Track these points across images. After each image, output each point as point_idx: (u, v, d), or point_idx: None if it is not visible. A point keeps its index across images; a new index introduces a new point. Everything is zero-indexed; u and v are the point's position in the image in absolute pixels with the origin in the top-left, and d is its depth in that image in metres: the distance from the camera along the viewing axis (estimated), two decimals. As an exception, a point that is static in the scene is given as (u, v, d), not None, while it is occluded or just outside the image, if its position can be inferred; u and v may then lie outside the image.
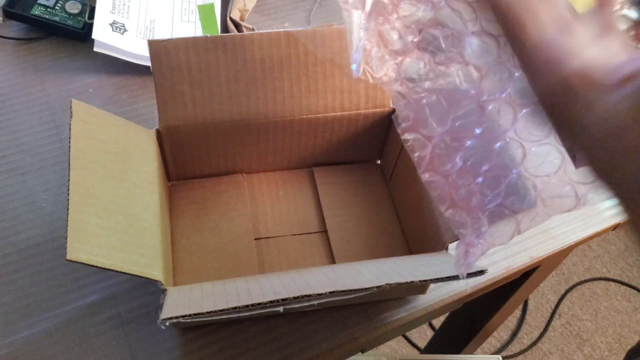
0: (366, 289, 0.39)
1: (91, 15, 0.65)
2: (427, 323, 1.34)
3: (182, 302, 0.44)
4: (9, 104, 0.60)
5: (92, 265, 0.39)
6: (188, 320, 0.43)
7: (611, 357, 1.34)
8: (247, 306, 0.44)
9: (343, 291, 0.39)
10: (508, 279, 0.55)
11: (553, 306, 1.41)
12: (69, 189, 0.41)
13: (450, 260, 0.45)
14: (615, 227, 0.59)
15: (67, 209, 0.40)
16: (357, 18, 0.40)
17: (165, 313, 0.42)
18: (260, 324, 0.48)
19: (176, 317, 0.42)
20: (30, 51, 0.65)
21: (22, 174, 0.55)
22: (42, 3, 0.66)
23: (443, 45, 0.40)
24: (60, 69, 0.64)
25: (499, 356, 0.88)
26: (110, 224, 0.43)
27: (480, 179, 0.40)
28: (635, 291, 1.45)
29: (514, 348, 1.34)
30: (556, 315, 1.40)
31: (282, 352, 0.47)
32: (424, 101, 0.41)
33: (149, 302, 0.48)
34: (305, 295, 0.40)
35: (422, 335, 1.32)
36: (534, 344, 1.35)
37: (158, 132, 0.52)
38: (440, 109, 0.41)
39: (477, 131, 0.40)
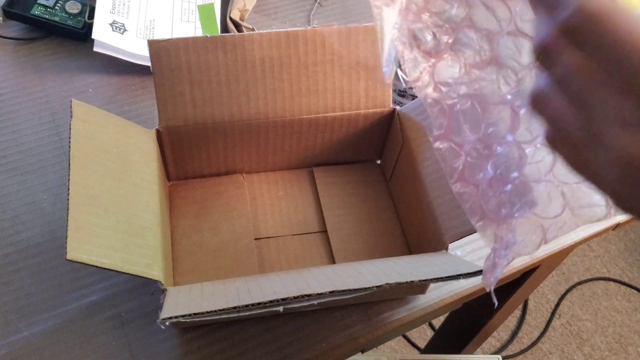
0: (366, 288, 0.39)
1: (91, 15, 0.65)
2: (427, 323, 1.34)
3: (182, 302, 0.44)
4: (9, 103, 0.60)
5: (92, 265, 0.39)
6: (188, 320, 0.43)
7: (611, 357, 1.34)
8: (247, 306, 0.44)
9: (343, 291, 0.39)
10: (508, 279, 0.55)
11: (553, 306, 1.41)
12: (69, 189, 0.41)
13: (450, 260, 0.45)
14: (615, 227, 0.59)
15: (67, 209, 0.40)
16: (388, 16, 0.37)
17: (165, 313, 0.42)
18: (260, 323, 0.48)
19: (176, 317, 0.42)
20: (30, 51, 0.65)
21: (22, 174, 0.55)
22: (41, 3, 0.65)
23: (477, 47, 0.37)
24: (60, 69, 0.64)
25: (499, 356, 0.88)
26: (110, 223, 0.43)
27: (509, 187, 0.38)
28: (635, 291, 1.45)
29: (513, 348, 1.34)
30: (556, 315, 1.40)
31: (282, 352, 0.47)
32: (458, 107, 0.39)
33: (148, 302, 0.48)
34: (305, 295, 0.40)
35: (422, 335, 1.32)
36: (534, 344, 1.35)
37: (158, 132, 0.52)
38: (474, 115, 0.38)
39: (510, 138, 0.38)
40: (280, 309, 0.46)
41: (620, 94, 0.19)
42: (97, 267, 0.39)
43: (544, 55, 0.21)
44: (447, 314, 1.01)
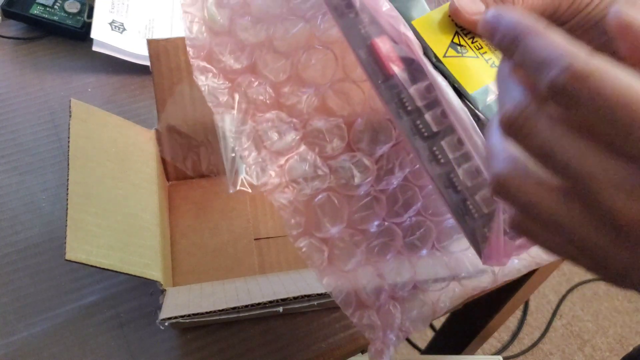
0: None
1: (90, 15, 0.65)
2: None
3: (181, 303, 0.44)
4: (7, 103, 0.60)
5: (91, 266, 0.39)
6: (187, 321, 0.43)
7: (612, 357, 1.34)
8: (246, 306, 0.43)
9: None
10: (509, 279, 0.55)
11: (554, 307, 1.41)
12: (68, 189, 0.41)
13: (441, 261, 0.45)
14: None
15: (66, 209, 0.40)
16: (229, 122, 0.35)
17: (165, 313, 0.42)
18: (260, 324, 0.48)
19: (175, 318, 0.42)
20: (29, 51, 0.65)
21: (21, 174, 0.55)
22: (41, 2, 0.65)
23: (327, 138, 0.35)
24: (59, 68, 0.64)
25: (500, 357, 0.88)
26: (110, 223, 0.43)
27: (387, 268, 0.36)
28: (636, 292, 1.44)
29: (514, 349, 1.34)
30: (557, 316, 1.39)
31: (281, 353, 0.46)
32: (315, 201, 0.36)
33: (148, 303, 0.48)
34: (305, 295, 0.40)
35: (423, 335, 1.32)
36: (534, 344, 1.34)
37: (157, 132, 0.52)
38: (332, 207, 0.36)
39: (376, 222, 0.36)
40: (280, 309, 0.46)
41: (617, 157, 0.18)
42: (96, 267, 0.39)
43: (515, 128, 0.20)
44: (447, 315, 1.01)
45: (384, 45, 0.29)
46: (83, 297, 0.48)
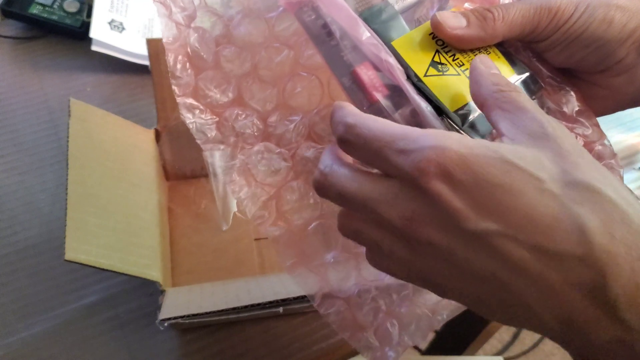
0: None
1: (89, 14, 0.64)
2: (428, 324, 1.34)
3: (181, 303, 0.44)
4: (6, 103, 0.60)
5: (91, 266, 0.39)
6: (187, 321, 0.42)
7: (613, 357, 1.34)
8: (247, 307, 0.43)
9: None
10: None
11: (554, 306, 1.40)
12: (67, 189, 0.41)
13: None
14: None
15: (66, 209, 0.40)
16: (219, 158, 0.35)
17: (164, 314, 0.42)
18: (260, 324, 0.48)
19: (175, 318, 0.42)
20: (28, 50, 0.65)
21: (20, 174, 0.55)
22: (40, 2, 0.65)
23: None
24: (58, 67, 0.64)
25: (501, 357, 0.88)
26: (109, 223, 0.42)
27: (383, 286, 0.36)
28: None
29: (515, 349, 1.34)
30: (557, 316, 1.39)
31: (281, 353, 0.46)
32: (308, 230, 0.36)
33: (147, 303, 0.48)
34: (305, 296, 0.40)
35: (423, 335, 1.32)
36: (535, 345, 1.34)
37: (157, 132, 0.51)
38: (326, 234, 0.36)
39: None
40: (281, 309, 0.45)
41: (382, 179, 0.24)
42: (95, 267, 0.39)
43: (319, 189, 0.27)
44: (448, 315, 1.01)
45: (366, 73, 0.29)
46: (82, 297, 0.48)
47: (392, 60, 0.29)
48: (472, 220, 0.22)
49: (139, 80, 0.63)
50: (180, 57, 0.34)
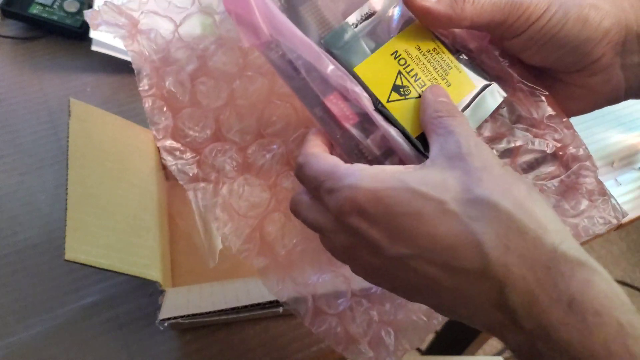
0: (365, 288, 0.38)
1: (90, 14, 0.64)
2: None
3: (180, 303, 0.44)
4: (6, 103, 0.60)
5: (91, 266, 0.39)
6: (187, 321, 0.42)
7: (613, 357, 1.33)
8: (246, 307, 0.43)
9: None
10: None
11: (554, 307, 1.40)
12: (67, 189, 0.41)
13: None
14: (617, 228, 0.58)
15: (66, 209, 0.40)
16: (202, 197, 0.36)
17: (164, 314, 0.42)
18: (259, 325, 0.48)
19: (175, 318, 0.42)
20: (28, 50, 0.65)
21: (20, 174, 0.55)
22: (40, 2, 0.65)
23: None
24: (58, 68, 0.64)
25: (501, 357, 0.87)
26: (109, 224, 0.42)
27: (374, 298, 0.37)
28: (637, 292, 1.44)
29: (515, 349, 1.34)
30: (558, 316, 1.39)
31: (281, 353, 0.46)
32: (296, 250, 0.37)
33: (147, 304, 0.48)
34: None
35: (423, 336, 1.32)
36: (535, 344, 1.34)
37: (157, 132, 0.51)
38: (312, 256, 0.37)
39: None
40: (280, 309, 0.45)
41: (325, 210, 0.28)
42: (95, 267, 0.39)
43: (293, 211, 0.30)
44: (448, 315, 1.01)
45: (336, 103, 0.30)
46: (82, 297, 0.48)
47: (357, 89, 0.29)
48: (388, 247, 0.25)
49: (139, 80, 0.63)
50: (157, 102, 0.36)
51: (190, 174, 0.36)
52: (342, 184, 0.26)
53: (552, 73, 0.33)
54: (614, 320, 0.22)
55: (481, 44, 0.33)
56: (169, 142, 0.36)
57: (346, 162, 0.28)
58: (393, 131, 0.29)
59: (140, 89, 0.35)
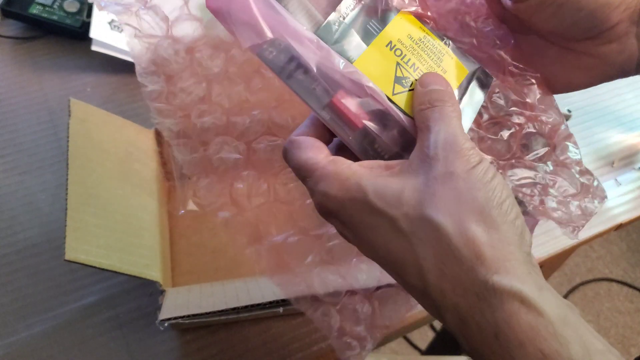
0: (365, 289, 0.38)
1: (89, 14, 0.64)
2: (429, 324, 1.34)
3: (180, 303, 0.44)
4: (6, 103, 0.60)
5: (91, 266, 0.39)
6: (187, 321, 0.42)
7: (613, 358, 1.33)
8: (246, 307, 0.43)
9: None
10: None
11: (555, 307, 1.40)
12: (67, 189, 0.41)
13: None
14: (617, 227, 0.58)
15: (66, 209, 0.39)
16: (183, 153, 0.39)
17: (164, 314, 0.42)
18: (260, 325, 0.48)
19: (175, 318, 0.42)
20: (28, 50, 0.65)
21: (20, 174, 0.55)
22: (40, 2, 0.65)
23: (271, 157, 0.39)
24: (58, 68, 0.64)
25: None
26: (109, 224, 0.42)
27: (352, 271, 0.39)
28: (637, 292, 1.44)
29: (515, 349, 1.34)
30: (558, 316, 1.39)
31: (281, 352, 0.46)
32: (287, 241, 0.39)
33: (147, 304, 0.48)
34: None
35: (423, 336, 1.32)
36: (535, 345, 1.34)
37: (157, 132, 0.51)
38: (300, 246, 0.39)
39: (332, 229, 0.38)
40: (280, 310, 0.45)
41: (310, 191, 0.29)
42: (95, 267, 0.39)
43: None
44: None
45: (345, 102, 0.29)
46: (82, 297, 0.48)
47: (371, 84, 0.28)
48: (358, 247, 0.27)
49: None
50: (150, 67, 0.37)
51: (175, 130, 0.38)
52: (317, 188, 0.27)
53: (562, 41, 0.32)
54: (537, 352, 0.22)
55: (480, 11, 0.32)
56: (158, 104, 0.38)
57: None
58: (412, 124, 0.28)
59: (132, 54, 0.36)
